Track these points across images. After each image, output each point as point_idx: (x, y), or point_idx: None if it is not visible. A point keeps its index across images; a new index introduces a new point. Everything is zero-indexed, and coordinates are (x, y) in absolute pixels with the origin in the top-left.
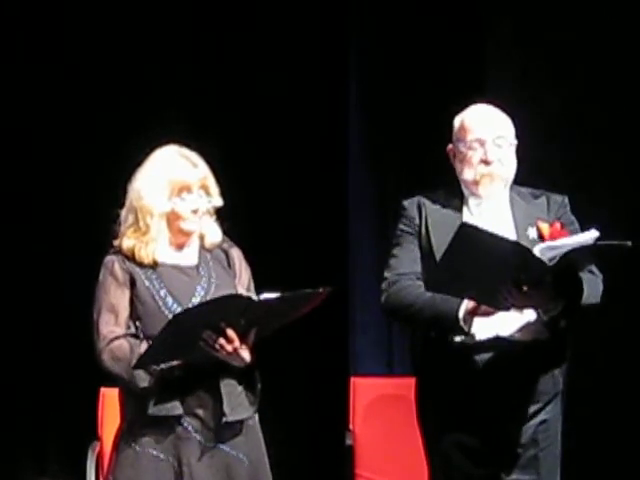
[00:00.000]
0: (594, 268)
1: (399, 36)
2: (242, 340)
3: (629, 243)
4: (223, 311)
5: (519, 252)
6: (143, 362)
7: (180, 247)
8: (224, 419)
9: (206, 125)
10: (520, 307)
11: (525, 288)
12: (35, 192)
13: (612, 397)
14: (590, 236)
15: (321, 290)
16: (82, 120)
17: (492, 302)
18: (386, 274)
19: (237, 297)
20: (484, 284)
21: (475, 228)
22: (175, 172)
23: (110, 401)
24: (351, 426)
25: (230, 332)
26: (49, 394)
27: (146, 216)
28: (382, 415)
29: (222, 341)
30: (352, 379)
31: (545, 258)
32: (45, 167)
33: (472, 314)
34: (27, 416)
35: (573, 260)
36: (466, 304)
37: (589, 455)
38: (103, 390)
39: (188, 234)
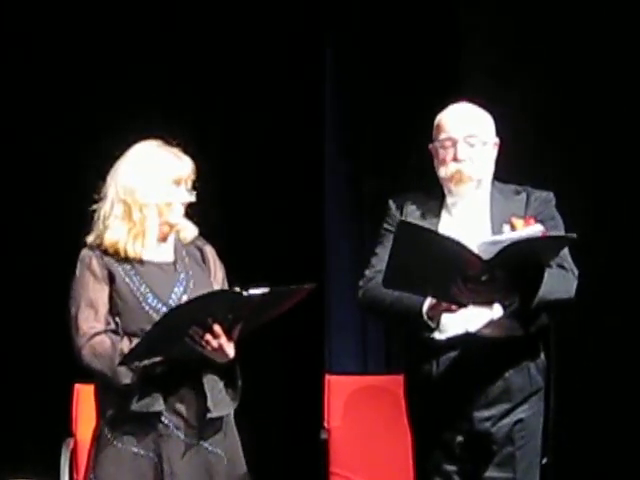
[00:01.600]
0: (567, 264)
1: (375, 34)
2: (227, 336)
3: (574, 235)
4: (212, 306)
5: (455, 249)
6: (130, 358)
7: (160, 242)
8: (208, 415)
9: (180, 121)
10: (475, 303)
11: (470, 284)
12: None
13: (606, 396)
14: (533, 230)
15: (306, 286)
16: (52, 120)
17: (448, 298)
18: (365, 271)
19: (226, 292)
20: (435, 282)
21: (414, 225)
22: (170, 165)
23: (84, 397)
24: (326, 424)
25: (217, 327)
26: (22, 391)
27: (142, 209)
28: (357, 413)
29: (208, 337)
30: (327, 377)
31: (490, 253)
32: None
33: (435, 309)
34: (0, 412)
35: (521, 254)
36: (430, 300)
37: (580, 452)
38: (77, 386)
39: (172, 227)
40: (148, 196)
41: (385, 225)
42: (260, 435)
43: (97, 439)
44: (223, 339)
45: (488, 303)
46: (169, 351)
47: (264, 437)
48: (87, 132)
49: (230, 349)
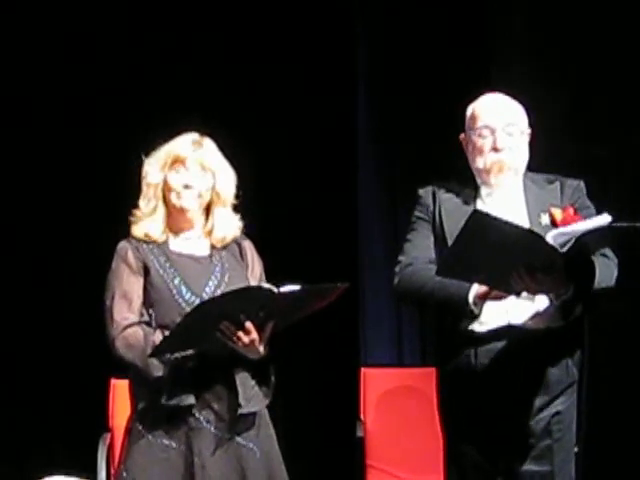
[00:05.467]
0: (608, 252)
1: (407, 28)
2: (259, 332)
3: None
4: (244, 302)
5: (531, 239)
6: (161, 349)
7: (181, 231)
8: (239, 411)
9: (216, 118)
10: (531, 292)
11: (538, 274)
12: (52, 190)
13: (633, 387)
14: (602, 220)
15: (339, 285)
16: (100, 118)
17: (503, 287)
18: (400, 258)
19: (259, 289)
20: (495, 270)
21: (487, 215)
22: (174, 145)
23: (120, 392)
24: (362, 417)
25: (248, 324)
26: (58, 385)
27: (149, 189)
28: (392, 405)
29: (240, 333)
30: (362, 370)
31: (557, 244)
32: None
33: (482, 298)
34: (37, 408)
35: (586, 244)
36: (477, 287)
37: (608, 446)
38: (113, 381)
39: (183, 212)
40: (151, 176)
41: (416, 213)
42: (296, 429)
43: (129, 432)
44: (254, 335)
45: (538, 292)
46: (200, 344)
47: (300, 431)
48: (133, 125)
49: (261, 346)
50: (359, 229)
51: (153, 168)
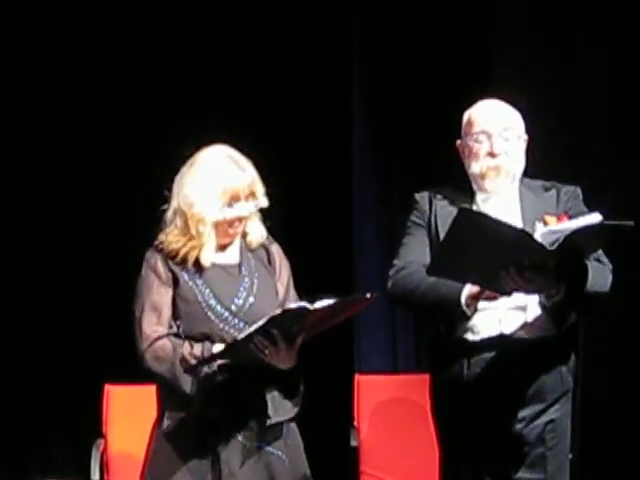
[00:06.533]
0: (603, 257)
1: (403, 31)
2: (289, 345)
3: (631, 223)
4: (280, 322)
5: (520, 237)
6: (202, 363)
7: (223, 248)
8: (268, 422)
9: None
10: (522, 291)
11: (527, 273)
12: (79, 191)
13: (627, 396)
14: (593, 219)
15: (368, 296)
16: (123, 118)
17: (494, 286)
18: (394, 262)
19: (296, 310)
20: (485, 269)
21: (474, 212)
22: (228, 180)
23: (114, 398)
24: (356, 423)
25: (281, 339)
26: (53, 392)
27: (198, 224)
28: (387, 412)
29: (271, 347)
30: (357, 376)
31: (547, 242)
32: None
33: (475, 299)
34: (31, 415)
35: (576, 244)
36: (469, 288)
37: (602, 454)
38: (107, 387)
39: (232, 237)
40: (204, 212)
41: (412, 218)
42: None
43: (156, 437)
44: (285, 349)
45: (529, 291)
46: (235, 357)
47: None
48: (159, 129)
49: (292, 357)
50: (354, 235)
51: (210, 207)
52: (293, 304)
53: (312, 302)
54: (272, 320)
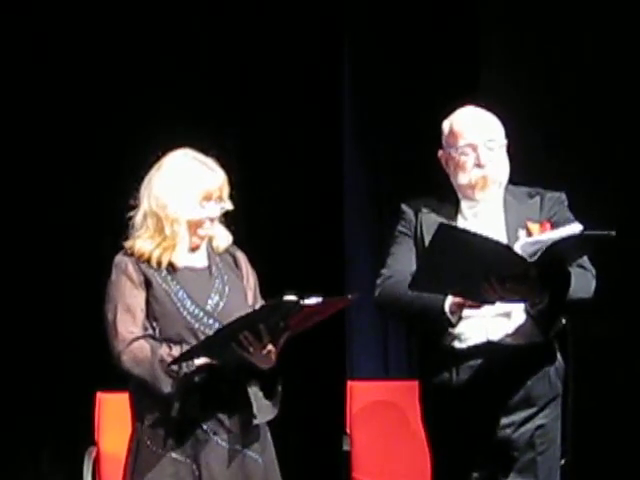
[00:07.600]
0: (586, 263)
1: (393, 35)
2: (273, 343)
3: (613, 233)
4: (269, 314)
5: (499, 250)
6: (183, 359)
7: (193, 250)
8: (254, 421)
9: (204, 125)
10: (505, 301)
11: (508, 283)
12: (41, 193)
13: (616, 400)
14: (573, 229)
15: (349, 297)
16: (86, 123)
17: (476, 297)
18: (382, 271)
19: (286, 301)
20: (466, 281)
21: (453, 227)
22: (201, 180)
23: (107, 405)
24: (348, 430)
25: (266, 335)
26: (45, 398)
27: (173, 224)
28: (378, 418)
29: (257, 343)
30: (349, 383)
31: (527, 253)
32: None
33: (459, 307)
34: (23, 421)
35: (558, 254)
36: (452, 297)
37: (593, 459)
38: (99, 395)
39: (202, 238)
40: (179, 212)
41: (400, 228)
42: (281, 441)
43: (134, 445)
44: (270, 346)
45: (512, 301)
46: (219, 355)
47: (285, 443)
48: (123, 135)
49: (274, 356)
50: (345, 241)
51: (184, 207)
52: (288, 296)
53: (302, 299)
54: (266, 308)
